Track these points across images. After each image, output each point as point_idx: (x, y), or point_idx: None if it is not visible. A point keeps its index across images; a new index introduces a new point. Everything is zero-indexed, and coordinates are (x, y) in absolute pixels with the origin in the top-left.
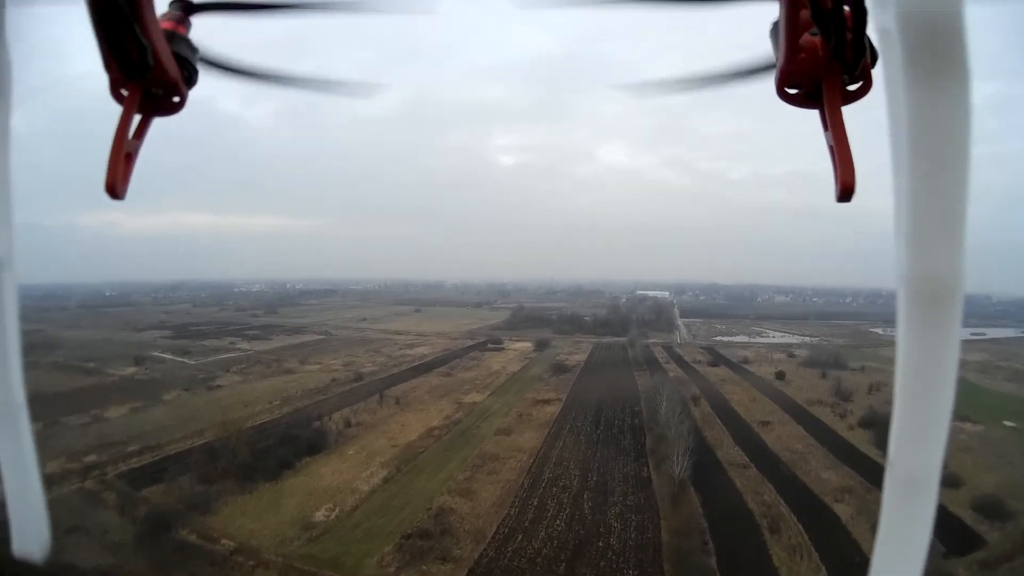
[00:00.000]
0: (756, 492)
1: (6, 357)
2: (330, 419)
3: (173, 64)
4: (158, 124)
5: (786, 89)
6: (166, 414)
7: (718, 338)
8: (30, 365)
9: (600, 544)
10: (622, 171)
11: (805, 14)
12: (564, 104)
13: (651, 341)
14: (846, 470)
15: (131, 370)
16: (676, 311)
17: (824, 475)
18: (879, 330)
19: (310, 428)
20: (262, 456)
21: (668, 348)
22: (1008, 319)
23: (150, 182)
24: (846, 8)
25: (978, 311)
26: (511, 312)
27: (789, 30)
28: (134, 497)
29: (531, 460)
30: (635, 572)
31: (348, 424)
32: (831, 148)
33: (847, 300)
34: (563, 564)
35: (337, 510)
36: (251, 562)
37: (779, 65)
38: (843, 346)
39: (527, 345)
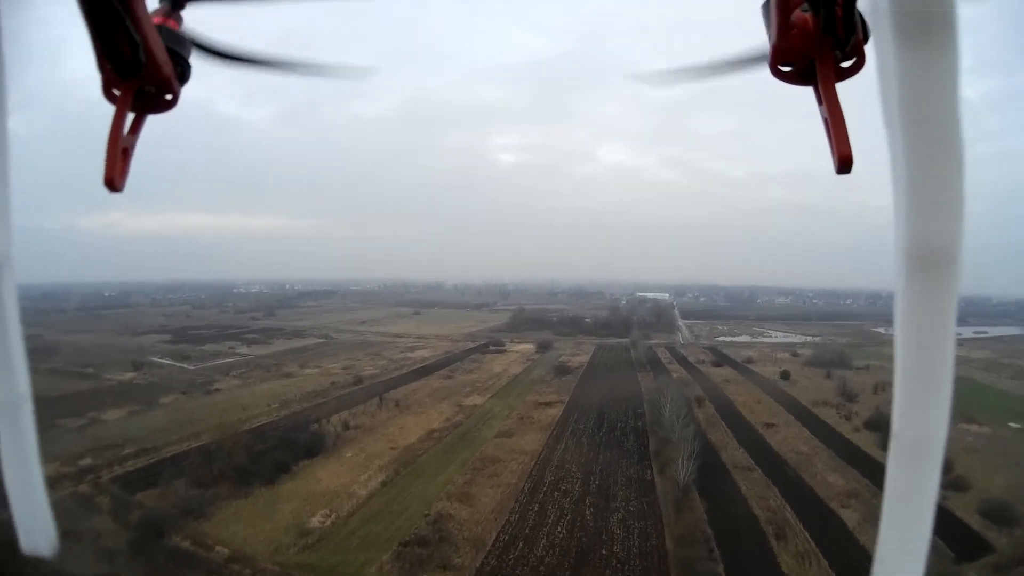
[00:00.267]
0: (761, 497)
1: (8, 354)
2: (328, 422)
3: (166, 60)
4: (157, 125)
5: (779, 67)
6: (163, 417)
7: (721, 338)
8: (28, 371)
9: (603, 552)
10: (622, 170)
11: None
12: (563, 104)
13: (654, 342)
14: (852, 473)
15: (129, 375)
16: (676, 312)
17: (830, 479)
18: (881, 329)
19: (308, 431)
20: (258, 459)
21: (671, 348)
22: (1009, 319)
23: (150, 182)
24: None
25: (979, 311)
26: (512, 314)
27: (780, 6)
28: (128, 501)
29: (532, 463)
30: None
31: (346, 427)
32: (826, 122)
33: (847, 301)
34: (567, 573)
35: (333, 516)
36: (247, 570)
37: (771, 43)
38: (847, 345)
39: (529, 347)
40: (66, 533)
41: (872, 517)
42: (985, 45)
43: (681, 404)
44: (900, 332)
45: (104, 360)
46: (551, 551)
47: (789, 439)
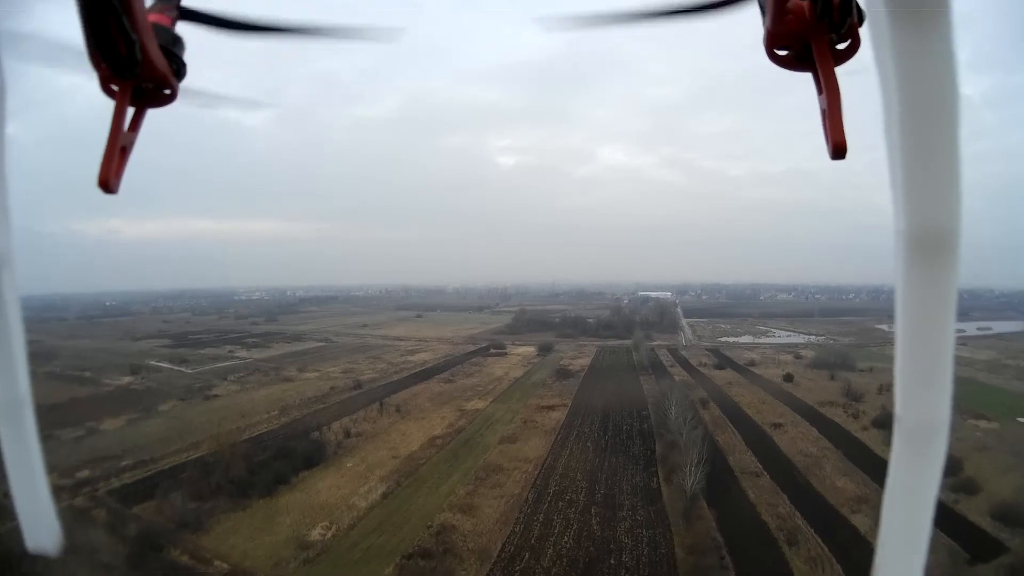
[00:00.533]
0: (770, 504)
1: (10, 353)
2: (329, 429)
3: (161, 58)
4: (158, 130)
5: (776, 51)
6: (161, 426)
7: (723, 339)
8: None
9: (612, 562)
10: (622, 171)
11: None
12: (562, 105)
13: (656, 343)
14: (861, 476)
15: (127, 379)
16: (679, 311)
17: (839, 483)
18: (884, 326)
19: (307, 440)
20: (257, 470)
21: (673, 351)
22: (1011, 311)
23: (150, 189)
24: None
25: (981, 304)
26: (513, 316)
27: None
28: (125, 514)
29: (536, 471)
30: None
31: (347, 434)
32: (823, 111)
33: (850, 296)
34: None
35: (334, 528)
36: None
37: (767, 27)
38: (849, 345)
39: (530, 350)
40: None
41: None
42: (984, 42)
43: (686, 408)
44: (901, 316)
45: (102, 364)
46: (558, 562)
47: (797, 439)
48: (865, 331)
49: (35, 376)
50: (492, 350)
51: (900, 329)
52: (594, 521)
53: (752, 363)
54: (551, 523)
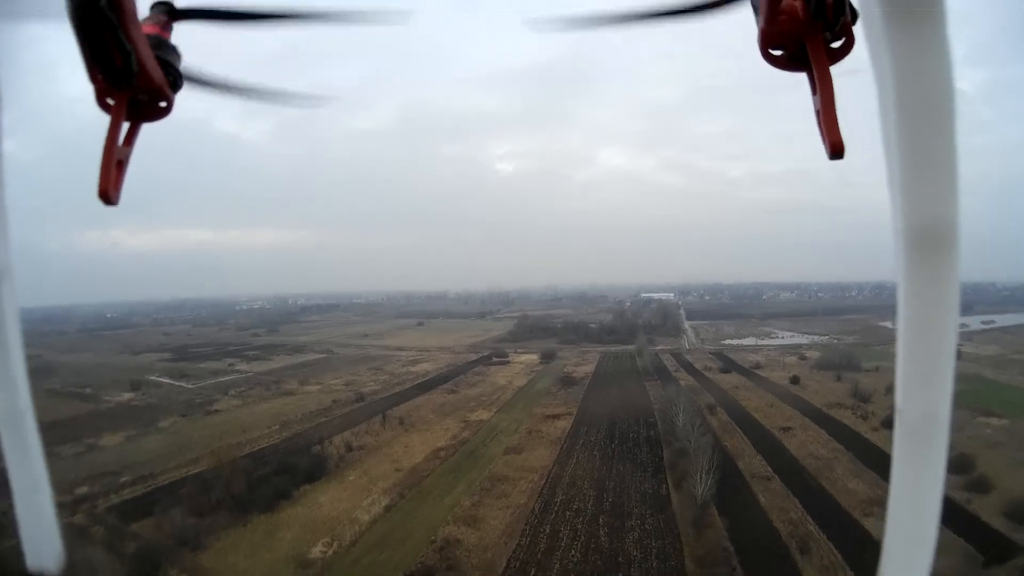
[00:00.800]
0: (782, 508)
1: (9, 364)
2: (330, 443)
3: (157, 70)
4: (158, 144)
5: (770, 51)
6: (161, 441)
7: (727, 342)
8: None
9: None
10: (621, 174)
11: None
12: (560, 109)
13: (659, 348)
14: (871, 476)
15: (127, 396)
16: (682, 313)
17: (851, 485)
18: (888, 323)
19: (309, 454)
20: (258, 486)
21: (677, 355)
22: (1014, 304)
23: (151, 200)
24: None
25: (985, 298)
26: (515, 322)
27: None
28: (124, 532)
29: (542, 480)
30: None
31: (349, 448)
32: (817, 113)
33: (853, 294)
34: None
35: (335, 544)
36: None
37: (761, 27)
38: (854, 345)
39: (533, 357)
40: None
41: None
42: (979, 36)
43: (694, 413)
44: (902, 311)
45: (102, 380)
46: None
47: (807, 442)
48: (869, 329)
49: (35, 392)
50: (495, 358)
51: (902, 325)
52: (602, 532)
53: (757, 366)
54: (558, 535)
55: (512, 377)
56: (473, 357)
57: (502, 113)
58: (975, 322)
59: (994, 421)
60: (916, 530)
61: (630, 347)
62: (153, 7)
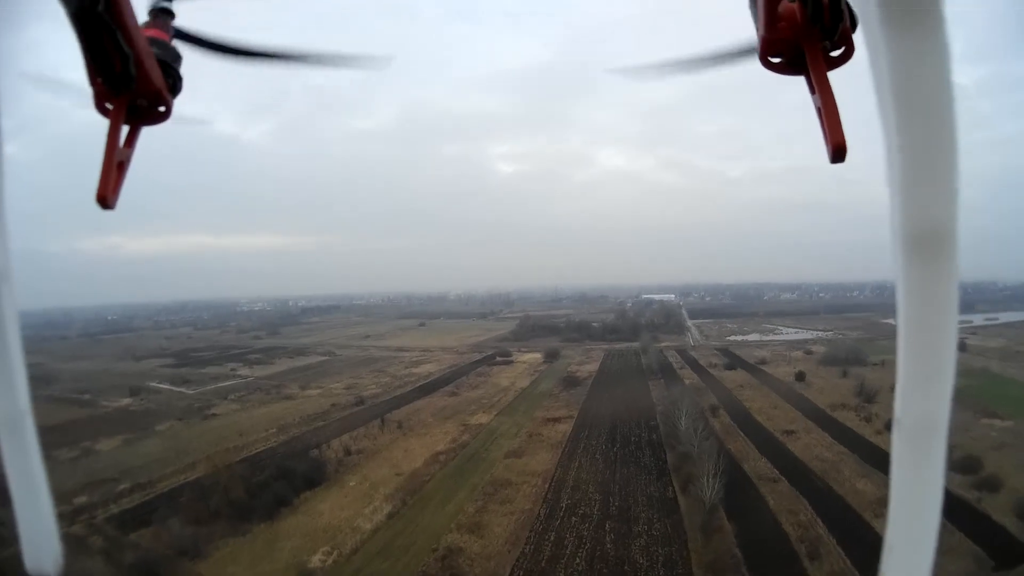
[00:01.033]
0: (791, 511)
1: (9, 367)
2: (329, 447)
3: (157, 73)
4: (158, 147)
5: (769, 58)
6: (158, 446)
7: (731, 338)
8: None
9: None
10: (621, 174)
11: None
12: (559, 110)
13: (663, 345)
14: (880, 477)
15: (126, 401)
16: (684, 313)
17: (859, 485)
18: (891, 320)
19: (308, 459)
20: (257, 492)
21: (682, 352)
22: (1016, 303)
23: (151, 204)
24: None
25: (986, 297)
26: (517, 322)
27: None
28: (122, 542)
29: (546, 485)
30: None
31: (348, 452)
32: (819, 112)
33: (854, 293)
34: None
35: (336, 553)
36: None
37: (760, 35)
38: (859, 339)
39: (536, 356)
40: None
41: None
42: (978, 32)
43: (698, 416)
44: (902, 313)
45: (102, 386)
46: None
47: (811, 445)
48: (872, 325)
49: (35, 400)
50: (498, 358)
51: (901, 328)
52: (608, 538)
53: (763, 361)
54: (563, 542)
55: (515, 378)
56: (476, 357)
57: (502, 114)
58: (978, 319)
59: (997, 423)
60: (917, 534)
61: (634, 344)
62: (152, 11)
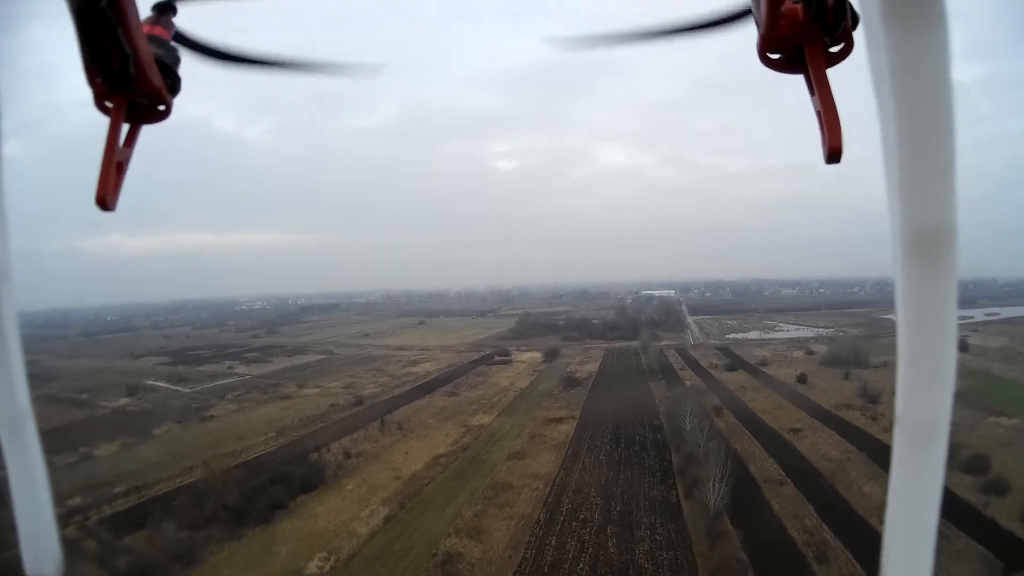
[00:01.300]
0: (796, 516)
1: (8, 366)
2: (328, 450)
3: (156, 72)
4: (157, 145)
5: (768, 55)
6: (156, 450)
7: (731, 336)
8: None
9: None
10: (621, 171)
11: None
12: (559, 108)
13: (663, 343)
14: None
15: (123, 401)
16: (684, 309)
17: (867, 488)
18: (892, 316)
19: (306, 462)
20: (253, 496)
21: (682, 351)
22: (1016, 299)
23: (150, 202)
24: None
25: (986, 293)
26: (517, 319)
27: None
28: (116, 546)
29: (547, 489)
30: None
31: (347, 455)
32: (818, 113)
33: (855, 289)
34: None
35: (333, 558)
36: None
37: (760, 32)
38: (860, 337)
39: (535, 356)
40: None
41: None
42: (978, 29)
43: (703, 416)
44: (901, 314)
45: (100, 385)
46: None
47: (818, 444)
48: (873, 322)
49: (32, 398)
50: (497, 357)
51: (901, 328)
52: (611, 543)
53: (764, 362)
54: (564, 547)
55: (515, 378)
56: (475, 356)
57: (502, 112)
58: (979, 314)
59: (1004, 420)
60: (915, 534)
61: (634, 343)
62: (154, 7)
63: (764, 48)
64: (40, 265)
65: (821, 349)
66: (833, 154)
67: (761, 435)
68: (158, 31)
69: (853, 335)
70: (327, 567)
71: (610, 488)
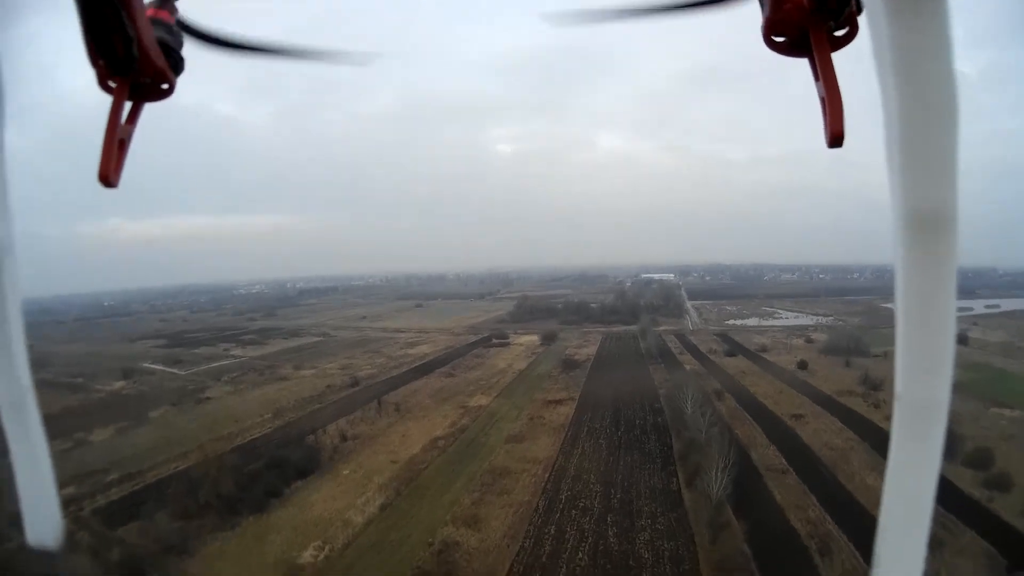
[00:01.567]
0: (799, 507)
1: (10, 343)
2: (324, 432)
3: (159, 54)
4: (157, 128)
5: (772, 38)
6: (151, 434)
7: (730, 322)
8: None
9: None
10: (621, 157)
11: None
12: (560, 94)
13: (662, 328)
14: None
15: (119, 384)
16: (684, 294)
17: (870, 481)
18: (892, 305)
19: (302, 445)
20: (247, 483)
21: (680, 336)
22: (1017, 289)
23: (150, 188)
24: None
25: (986, 283)
26: (515, 303)
27: None
28: (109, 537)
29: (546, 474)
30: None
31: (344, 438)
32: (821, 98)
33: (854, 275)
34: None
35: (327, 548)
36: None
37: (765, 15)
38: (860, 327)
39: (533, 339)
40: None
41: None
42: (980, 19)
43: (704, 400)
44: (901, 296)
45: (95, 369)
46: None
47: (820, 431)
48: (873, 310)
49: None
50: (494, 340)
51: (901, 312)
52: (611, 532)
53: (763, 348)
54: (563, 536)
55: (512, 360)
56: (473, 339)
57: (504, 98)
58: (979, 306)
59: (1007, 412)
60: (911, 515)
61: (632, 328)
62: None
63: (769, 31)
64: (39, 251)
65: (821, 337)
66: (835, 138)
67: (763, 420)
68: (163, 15)
69: (853, 324)
70: (321, 557)
71: (610, 474)
